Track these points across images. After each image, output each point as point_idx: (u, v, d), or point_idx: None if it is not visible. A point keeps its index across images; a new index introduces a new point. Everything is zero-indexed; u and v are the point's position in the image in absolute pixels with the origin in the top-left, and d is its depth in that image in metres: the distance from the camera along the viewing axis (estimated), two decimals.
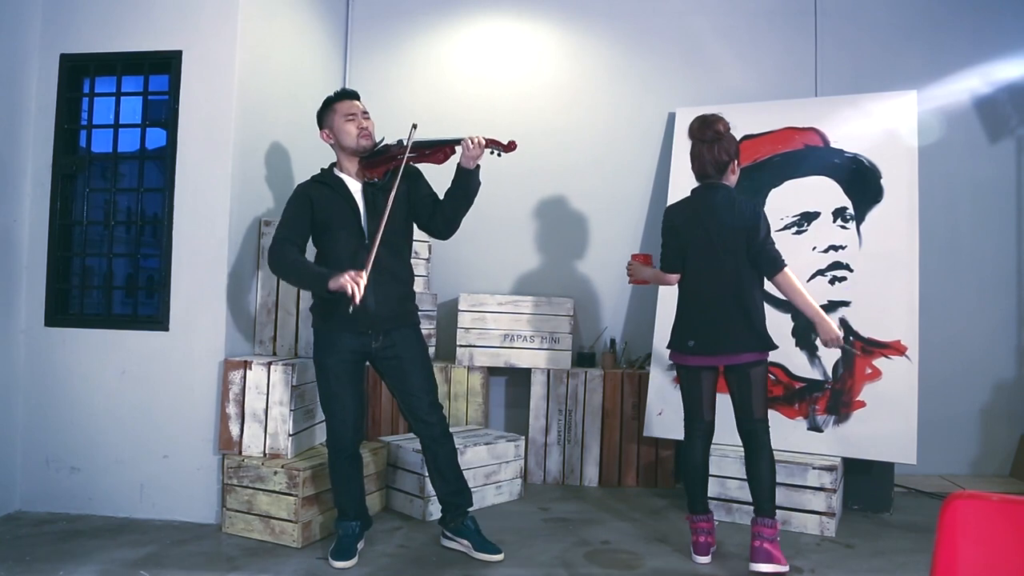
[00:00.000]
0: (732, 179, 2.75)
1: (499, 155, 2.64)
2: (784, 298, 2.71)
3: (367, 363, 2.77)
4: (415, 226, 2.82)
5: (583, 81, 4.29)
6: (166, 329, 3.04)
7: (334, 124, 2.70)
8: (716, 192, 2.70)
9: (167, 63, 3.09)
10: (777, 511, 3.08)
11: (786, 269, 2.63)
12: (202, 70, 3.07)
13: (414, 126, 2.59)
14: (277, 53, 3.47)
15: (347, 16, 4.35)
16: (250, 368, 2.93)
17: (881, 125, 3.61)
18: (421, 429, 2.73)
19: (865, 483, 3.40)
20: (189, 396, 3.01)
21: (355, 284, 2.35)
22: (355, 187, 2.70)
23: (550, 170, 4.23)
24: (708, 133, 2.65)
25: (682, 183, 3.96)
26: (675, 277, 2.78)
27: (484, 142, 2.57)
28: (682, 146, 4.00)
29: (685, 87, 4.19)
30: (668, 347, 2.83)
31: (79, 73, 3.20)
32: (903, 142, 3.54)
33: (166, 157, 3.07)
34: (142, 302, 3.22)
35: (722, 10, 4.24)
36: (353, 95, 2.76)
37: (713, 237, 2.65)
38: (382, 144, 2.72)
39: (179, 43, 3.08)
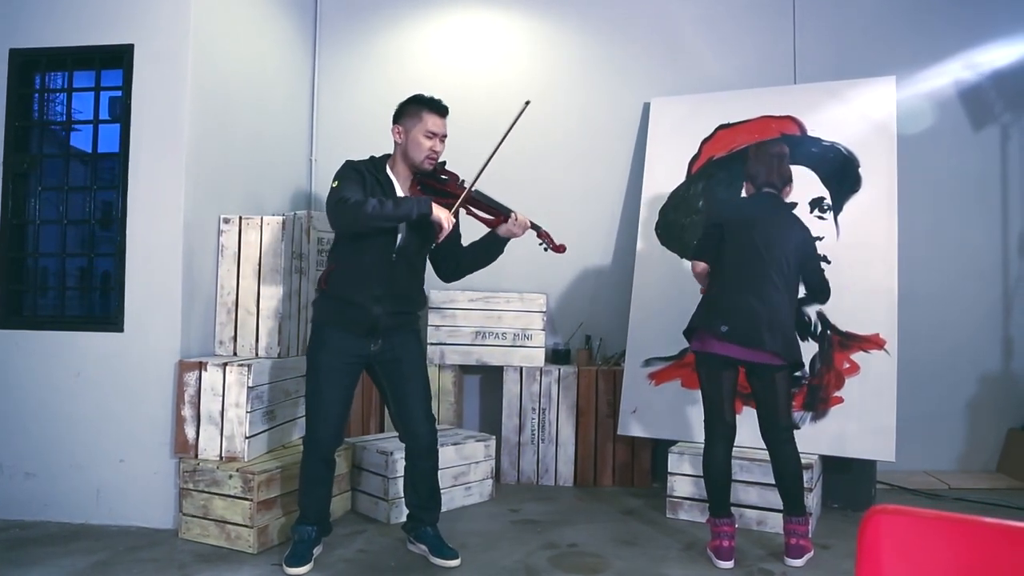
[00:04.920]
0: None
1: (545, 248, 2.71)
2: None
3: (364, 369, 2.67)
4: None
5: (557, 71, 4.18)
6: (120, 330, 2.96)
7: (412, 130, 2.57)
8: (778, 203, 2.74)
9: (119, 57, 3.01)
10: (751, 511, 3.04)
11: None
12: (154, 64, 2.98)
13: (527, 103, 2.54)
14: (237, 46, 3.38)
15: (316, 8, 4.24)
16: (205, 369, 2.86)
17: (859, 112, 3.51)
18: (408, 441, 2.67)
19: (846, 481, 3.31)
20: (145, 398, 2.93)
21: (449, 222, 2.41)
22: (401, 195, 2.59)
23: (523, 161, 4.12)
24: (774, 148, 2.78)
25: (657, 174, 3.88)
26: (701, 266, 2.74)
27: (529, 224, 2.64)
28: (657, 136, 3.94)
29: (661, 76, 4.09)
30: (687, 331, 2.75)
31: (30, 68, 3.11)
32: (882, 129, 3.44)
33: (119, 154, 2.98)
34: (96, 302, 3.14)
35: None
36: (446, 113, 2.62)
37: (763, 240, 2.62)
38: (440, 172, 2.65)
39: (131, 36, 2.99)
